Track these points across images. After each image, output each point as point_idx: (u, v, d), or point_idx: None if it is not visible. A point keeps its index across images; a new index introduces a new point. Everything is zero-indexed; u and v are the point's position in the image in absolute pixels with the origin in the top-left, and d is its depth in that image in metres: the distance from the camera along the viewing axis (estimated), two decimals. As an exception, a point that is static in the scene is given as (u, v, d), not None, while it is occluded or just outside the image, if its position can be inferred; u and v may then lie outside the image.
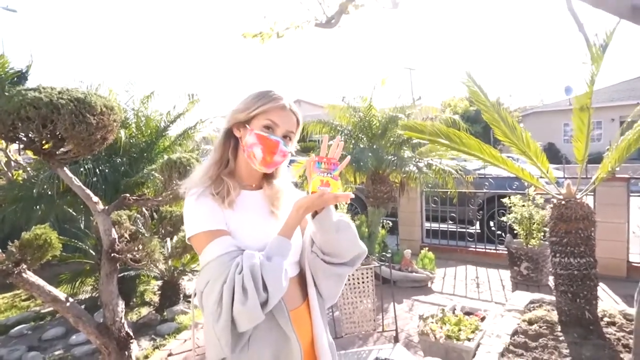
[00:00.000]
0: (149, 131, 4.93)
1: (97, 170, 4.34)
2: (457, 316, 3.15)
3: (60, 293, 2.31)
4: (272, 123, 1.15)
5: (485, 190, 6.07)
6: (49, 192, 4.38)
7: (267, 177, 1.29)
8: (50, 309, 4.37)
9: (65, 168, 2.40)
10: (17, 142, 2.27)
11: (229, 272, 1.02)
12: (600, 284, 4.01)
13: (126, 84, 4.94)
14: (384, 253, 3.48)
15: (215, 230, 1.10)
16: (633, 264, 4.77)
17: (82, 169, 4.15)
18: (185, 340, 3.68)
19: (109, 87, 4.80)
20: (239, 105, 1.19)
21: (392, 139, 5.64)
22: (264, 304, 1.02)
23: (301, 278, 1.25)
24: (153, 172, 3.93)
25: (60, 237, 3.71)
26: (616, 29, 2.65)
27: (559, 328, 2.96)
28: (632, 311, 3.02)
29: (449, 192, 5.61)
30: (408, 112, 5.82)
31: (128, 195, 2.51)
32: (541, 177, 3.65)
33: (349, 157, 1.29)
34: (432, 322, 3.09)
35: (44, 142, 2.29)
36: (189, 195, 1.16)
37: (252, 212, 1.20)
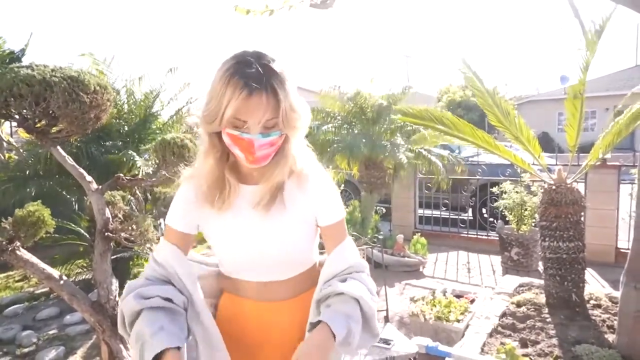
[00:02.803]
0: (140, 112, 4.90)
1: (89, 151, 4.32)
2: (447, 298, 3.21)
3: (54, 271, 2.32)
4: (240, 121, 0.93)
5: (478, 177, 6.12)
6: (41, 173, 4.36)
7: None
8: (44, 289, 4.39)
9: (58, 147, 2.39)
10: (9, 119, 2.25)
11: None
12: (589, 269, 4.07)
13: (115, 64, 4.86)
14: (376, 235, 3.51)
15: (176, 230, 1.09)
16: (622, 250, 4.85)
17: (74, 150, 4.12)
18: (179, 321, 3.72)
19: (96, 66, 4.74)
20: (204, 101, 0.98)
21: (385, 125, 5.65)
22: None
23: (296, 278, 1.15)
24: (146, 153, 3.92)
25: (53, 218, 3.72)
26: (612, 16, 2.66)
27: (546, 310, 3.02)
28: (618, 294, 3.09)
29: (440, 179, 5.65)
30: (400, 99, 5.83)
31: (122, 175, 2.51)
32: (533, 164, 3.68)
33: None
34: (423, 304, 3.15)
35: (37, 120, 2.27)
36: (183, 183, 1.12)
37: (244, 211, 1.07)
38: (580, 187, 4.84)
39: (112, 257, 2.67)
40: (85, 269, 4.49)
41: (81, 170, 2.43)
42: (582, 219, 3.09)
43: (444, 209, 6.46)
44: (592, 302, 3.09)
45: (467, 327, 2.89)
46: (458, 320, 2.95)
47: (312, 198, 1.09)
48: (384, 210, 6.47)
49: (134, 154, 3.97)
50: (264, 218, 1.06)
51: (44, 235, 2.29)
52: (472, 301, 3.29)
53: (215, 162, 1.03)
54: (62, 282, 2.31)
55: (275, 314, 1.14)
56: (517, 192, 4.87)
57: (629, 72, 22.97)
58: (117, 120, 4.69)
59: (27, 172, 4.39)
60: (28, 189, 4.35)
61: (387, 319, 2.63)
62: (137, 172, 3.89)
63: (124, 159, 4.01)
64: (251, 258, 1.10)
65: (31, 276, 4.56)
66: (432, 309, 3.07)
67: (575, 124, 3.02)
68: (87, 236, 4.21)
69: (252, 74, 0.90)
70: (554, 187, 3.09)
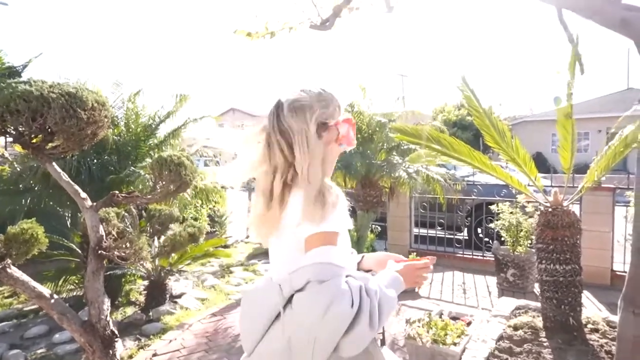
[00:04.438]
0: (138, 129, 4.89)
1: (84, 167, 4.29)
2: (443, 321, 3.17)
3: (44, 289, 2.27)
4: (341, 108, 1.21)
5: (473, 197, 6.14)
6: (35, 188, 4.32)
7: None
8: (34, 306, 4.30)
9: (53, 163, 2.38)
10: (5, 135, 2.23)
11: (352, 291, 0.98)
12: (585, 291, 4.06)
13: (114, 84, 4.87)
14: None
15: (337, 233, 1.08)
16: (617, 272, 4.85)
17: (69, 166, 4.09)
18: (171, 341, 3.65)
19: (95, 85, 4.74)
20: (316, 107, 1.12)
21: (381, 143, 5.67)
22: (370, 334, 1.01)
23: None
24: (140, 171, 3.89)
25: (46, 234, 3.67)
26: (602, 41, 2.70)
27: (543, 334, 2.99)
28: (615, 318, 3.06)
29: (437, 198, 5.65)
30: (395, 117, 5.86)
31: (117, 192, 2.49)
32: (529, 185, 3.69)
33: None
34: (419, 326, 3.11)
35: (33, 135, 2.26)
36: (332, 187, 1.09)
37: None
38: (576, 208, 4.87)
39: (104, 274, 2.63)
40: (77, 286, 4.42)
41: (76, 187, 2.41)
42: (579, 242, 3.08)
43: (439, 228, 6.45)
44: (589, 326, 3.06)
45: (463, 350, 2.84)
46: (455, 344, 2.90)
47: None
48: (380, 229, 6.45)
49: (141, 171, 3.94)
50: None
51: (35, 252, 2.25)
52: (469, 324, 3.25)
53: (320, 165, 1.10)
54: (52, 300, 2.26)
55: None
56: (512, 213, 4.88)
57: (620, 94, 23.38)
58: (115, 137, 4.67)
59: (21, 186, 4.35)
60: (21, 203, 4.30)
61: (383, 342, 2.58)
62: (133, 189, 3.86)
63: (126, 177, 3.98)
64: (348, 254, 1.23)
65: (21, 294, 4.47)
66: (428, 332, 3.03)
67: (568, 146, 3.04)
68: (80, 252, 4.15)
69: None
70: (550, 210, 3.09)
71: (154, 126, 5.01)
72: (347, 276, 1.04)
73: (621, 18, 1.98)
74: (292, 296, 1.04)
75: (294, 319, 1.04)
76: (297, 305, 1.02)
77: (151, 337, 3.73)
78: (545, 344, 2.86)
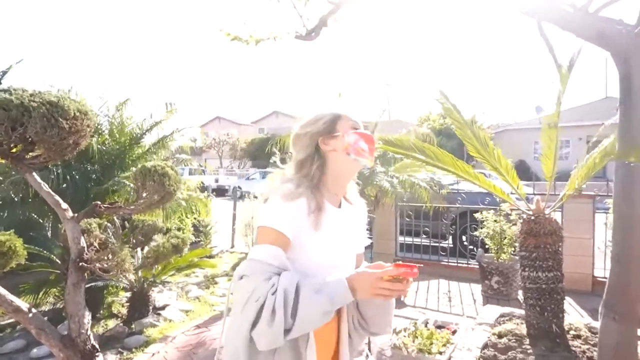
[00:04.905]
0: (123, 138, 4.83)
1: (68, 176, 4.21)
2: (429, 330, 3.18)
3: (22, 303, 2.21)
4: (355, 123, 1.26)
5: (458, 205, 6.20)
6: (15, 199, 4.22)
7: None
8: (10, 320, 4.18)
9: (34, 173, 2.33)
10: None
11: (262, 288, 1.04)
12: (567, 297, 4.11)
13: (100, 91, 4.83)
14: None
15: (281, 234, 1.12)
16: (598, 278, 4.93)
17: (52, 175, 4.01)
18: (153, 354, 3.58)
19: (79, 93, 4.68)
20: (308, 122, 1.26)
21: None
22: (287, 331, 1.02)
23: None
24: (124, 180, 3.84)
25: (25, 245, 3.58)
26: (581, 52, 2.77)
27: (527, 341, 3.01)
28: (597, 324, 3.11)
29: (423, 206, 5.69)
30: (379, 126, 5.90)
31: (99, 202, 2.45)
32: (512, 193, 3.75)
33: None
34: (405, 336, 3.11)
35: (12, 145, 2.21)
36: (281, 190, 1.16)
37: (333, 232, 1.22)
38: (557, 215, 4.96)
39: (86, 286, 2.57)
40: (57, 298, 4.31)
41: (57, 197, 2.37)
42: (560, 249, 3.13)
43: (424, 236, 6.49)
44: (572, 332, 3.10)
45: (449, 359, 2.85)
46: (440, 353, 2.91)
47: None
48: (365, 238, 6.46)
49: (127, 181, 3.88)
50: (344, 239, 1.27)
51: (13, 265, 2.19)
52: (454, 332, 3.27)
53: (316, 182, 1.21)
54: (30, 315, 2.20)
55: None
56: (495, 221, 4.94)
57: (599, 103, 23.98)
58: (100, 145, 4.60)
59: (0, 196, 4.25)
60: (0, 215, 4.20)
61: (369, 352, 2.58)
62: (117, 199, 3.80)
63: (111, 187, 3.92)
64: (334, 267, 1.20)
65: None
66: (414, 341, 3.03)
67: (552, 155, 3.10)
68: (60, 263, 4.06)
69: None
70: (532, 218, 3.14)
71: (139, 135, 4.96)
72: (278, 274, 1.09)
73: (597, 31, 2.04)
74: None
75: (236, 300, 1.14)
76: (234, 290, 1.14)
77: (133, 350, 3.65)
78: (529, 351, 2.89)
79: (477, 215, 5.25)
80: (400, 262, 1.12)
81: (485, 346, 2.99)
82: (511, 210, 4.83)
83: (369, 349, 2.63)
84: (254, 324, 1.02)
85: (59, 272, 4.04)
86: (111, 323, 4.22)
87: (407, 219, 6.47)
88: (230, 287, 1.20)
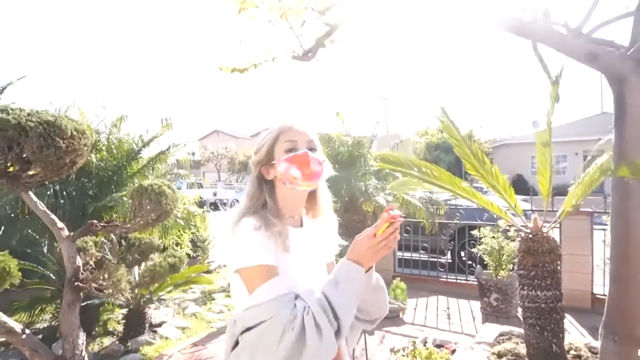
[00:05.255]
0: (120, 154, 4.83)
1: (64, 192, 4.20)
2: (427, 349, 3.15)
3: (15, 324, 2.19)
4: (290, 142, 1.18)
5: (456, 221, 6.19)
6: (12, 215, 4.20)
7: (310, 203, 1.31)
8: (3, 339, 4.13)
9: (30, 192, 2.32)
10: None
11: (297, 313, 1.01)
12: (567, 315, 4.08)
13: (97, 107, 4.84)
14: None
15: (271, 266, 1.08)
16: (597, 295, 4.90)
17: (48, 192, 4.00)
18: (149, 373, 3.53)
19: (80, 108, 4.70)
20: (255, 150, 1.23)
21: (363, 168, 5.72)
22: (337, 333, 1.02)
23: None
24: (123, 197, 3.83)
25: (21, 261, 3.55)
26: (574, 70, 2.80)
27: (527, 361, 2.98)
28: (597, 344, 3.08)
29: (421, 222, 5.68)
30: (374, 140, 5.94)
31: (95, 221, 2.44)
32: (509, 210, 3.74)
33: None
34: (403, 356, 3.08)
35: (9, 164, 2.21)
36: (247, 224, 1.12)
37: (301, 254, 1.19)
38: (555, 232, 4.95)
39: (82, 304, 2.55)
40: (53, 316, 4.27)
41: (52, 216, 2.36)
42: (559, 267, 3.11)
43: (422, 252, 6.47)
44: (572, 352, 3.08)
45: (448, 379, 2.82)
46: (439, 373, 2.88)
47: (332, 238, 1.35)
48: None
49: (125, 198, 3.88)
50: (315, 259, 1.24)
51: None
52: (453, 351, 3.24)
53: (270, 209, 1.17)
54: (24, 336, 2.18)
55: None
56: (494, 237, 4.92)
57: (596, 118, 24.15)
58: (97, 162, 4.60)
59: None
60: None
61: (367, 373, 2.55)
62: (114, 215, 3.79)
63: (108, 204, 3.91)
64: (310, 283, 1.16)
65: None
66: (412, 361, 3.01)
67: (547, 173, 3.10)
68: (56, 280, 4.03)
69: (291, 120, 1.21)
70: (530, 236, 3.13)
71: (136, 151, 4.96)
72: (296, 297, 1.07)
73: (590, 52, 2.06)
74: (244, 331, 1.08)
75: (242, 355, 1.08)
76: (246, 343, 1.07)
77: (129, 369, 3.61)
78: (529, 371, 2.85)
79: (474, 232, 5.24)
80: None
81: (485, 366, 2.96)
82: (509, 226, 4.82)
83: (367, 370, 2.60)
84: (297, 351, 0.99)
85: (54, 289, 4.00)
86: (107, 341, 4.17)
87: (406, 235, 6.46)
88: (230, 343, 1.14)
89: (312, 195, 1.30)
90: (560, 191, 4.34)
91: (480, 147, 3.30)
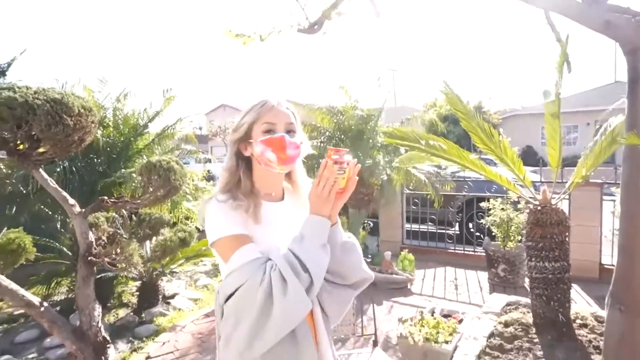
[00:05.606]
0: (127, 130, 4.84)
1: (74, 169, 4.24)
2: (435, 319, 3.19)
3: (34, 297, 2.25)
4: (269, 124, 1.17)
5: (464, 193, 6.18)
6: (24, 191, 4.27)
7: (289, 181, 1.32)
8: (23, 311, 4.26)
9: (40, 169, 2.35)
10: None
11: (265, 272, 1.03)
12: (574, 285, 4.11)
13: (101, 82, 4.81)
14: (364, 258, 3.50)
15: (240, 235, 1.10)
16: (605, 266, 4.91)
17: (58, 169, 4.05)
18: (164, 343, 3.64)
19: (85, 85, 4.69)
20: (235, 127, 1.22)
21: (371, 140, 5.67)
22: (309, 288, 1.03)
23: None
24: (132, 174, 3.86)
25: (36, 237, 3.63)
26: (577, 40, 2.73)
27: (533, 330, 3.03)
28: (603, 313, 3.11)
29: (431, 196, 5.68)
30: (382, 113, 5.87)
31: (106, 197, 2.47)
32: (517, 182, 3.72)
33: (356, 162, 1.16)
34: (411, 325, 3.13)
35: (18, 142, 2.23)
36: (213, 200, 1.16)
37: (277, 226, 1.20)
38: (564, 203, 4.93)
39: (96, 277, 2.61)
40: (69, 288, 4.39)
41: (64, 193, 2.39)
42: (567, 239, 3.12)
43: (431, 224, 6.49)
44: (578, 321, 3.11)
45: (455, 348, 2.87)
46: (447, 342, 2.93)
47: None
48: (372, 225, 6.47)
49: (133, 173, 3.91)
50: (290, 231, 1.16)
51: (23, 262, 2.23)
52: (460, 321, 3.28)
53: (225, 184, 1.20)
54: (42, 309, 2.24)
55: None
56: (502, 209, 4.92)
57: (608, 87, 23.57)
58: (105, 139, 4.62)
59: (10, 188, 4.29)
60: (9, 206, 4.25)
61: (375, 343, 2.60)
62: (123, 191, 3.83)
63: (117, 179, 3.95)
64: None
65: (10, 304, 4.39)
66: (420, 331, 3.05)
67: (556, 145, 3.07)
68: (70, 254, 4.12)
69: (274, 99, 1.21)
70: (539, 208, 3.12)
71: (142, 126, 4.97)
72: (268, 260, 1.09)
73: (604, 21, 2.00)
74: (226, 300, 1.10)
75: (227, 322, 1.10)
76: (230, 310, 1.09)
77: (144, 339, 3.72)
78: (535, 340, 2.90)
79: (483, 204, 5.23)
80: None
81: (492, 335, 3.01)
82: (518, 198, 4.81)
83: (375, 338, 2.65)
84: (265, 309, 1.01)
85: (69, 263, 4.10)
86: (122, 312, 4.30)
87: (414, 207, 6.47)
88: (218, 314, 1.16)
89: (289, 174, 1.31)
90: (570, 162, 4.28)
91: (489, 118, 3.24)
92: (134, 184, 3.79)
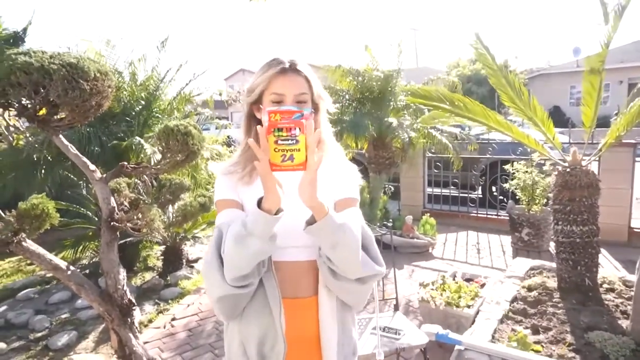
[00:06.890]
0: (144, 94, 4.82)
1: (92, 135, 4.28)
2: (457, 283, 3.17)
3: (60, 261, 2.30)
4: (277, 95, 1.10)
5: (488, 156, 6.02)
6: (49, 158, 4.35)
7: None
8: (51, 274, 4.42)
9: (60, 135, 2.35)
10: (8, 109, 2.20)
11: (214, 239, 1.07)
12: (602, 249, 4.02)
13: (110, 41, 4.74)
14: (385, 223, 3.43)
15: (225, 199, 1.16)
16: (634, 229, 4.78)
17: (77, 135, 4.09)
18: (189, 305, 3.74)
19: (97, 51, 4.65)
20: (248, 89, 1.17)
21: (392, 103, 5.52)
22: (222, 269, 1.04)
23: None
24: (141, 142, 3.88)
25: (62, 202, 3.71)
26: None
27: (558, 295, 2.97)
28: (632, 277, 3.03)
29: (452, 159, 5.55)
30: (405, 74, 5.69)
31: (126, 163, 2.47)
32: (546, 144, 3.58)
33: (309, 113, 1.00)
34: (432, 289, 3.12)
35: (37, 108, 2.22)
36: (223, 166, 1.22)
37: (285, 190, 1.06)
38: (594, 165, 4.75)
39: (120, 242, 2.66)
40: (95, 252, 4.52)
41: (84, 159, 2.39)
42: (597, 202, 3.00)
43: (453, 187, 6.39)
44: (605, 286, 3.04)
45: (477, 312, 2.86)
46: (468, 306, 2.91)
47: (333, 175, 1.19)
48: (392, 189, 6.41)
49: (142, 141, 3.92)
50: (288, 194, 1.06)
51: (48, 227, 2.27)
52: (483, 285, 3.25)
53: (242, 150, 1.20)
54: (69, 272, 2.30)
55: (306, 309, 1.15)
56: (527, 172, 4.78)
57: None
58: (121, 103, 4.62)
59: (35, 157, 4.38)
60: (36, 172, 4.35)
61: (396, 307, 2.60)
62: (143, 157, 3.85)
63: (132, 146, 3.97)
64: (286, 233, 1.08)
65: (38, 267, 4.55)
66: (441, 294, 3.04)
67: (592, 103, 2.91)
68: (96, 219, 4.22)
69: (287, 61, 1.13)
70: (568, 170, 3.00)
71: (158, 89, 4.92)
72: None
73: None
74: None
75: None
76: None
77: (169, 301, 3.83)
78: (559, 305, 2.85)
79: (507, 167, 5.10)
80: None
81: (515, 299, 2.97)
82: (544, 160, 4.65)
83: (397, 302, 2.65)
84: (204, 272, 1.07)
85: (94, 228, 4.20)
86: (148, 275, 4.42)
87: (436, 170, 6.36)
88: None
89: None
90: (600, 123, 4.09)
91: (516, 77, 3.07)
92: (147, 151, 3.78)
